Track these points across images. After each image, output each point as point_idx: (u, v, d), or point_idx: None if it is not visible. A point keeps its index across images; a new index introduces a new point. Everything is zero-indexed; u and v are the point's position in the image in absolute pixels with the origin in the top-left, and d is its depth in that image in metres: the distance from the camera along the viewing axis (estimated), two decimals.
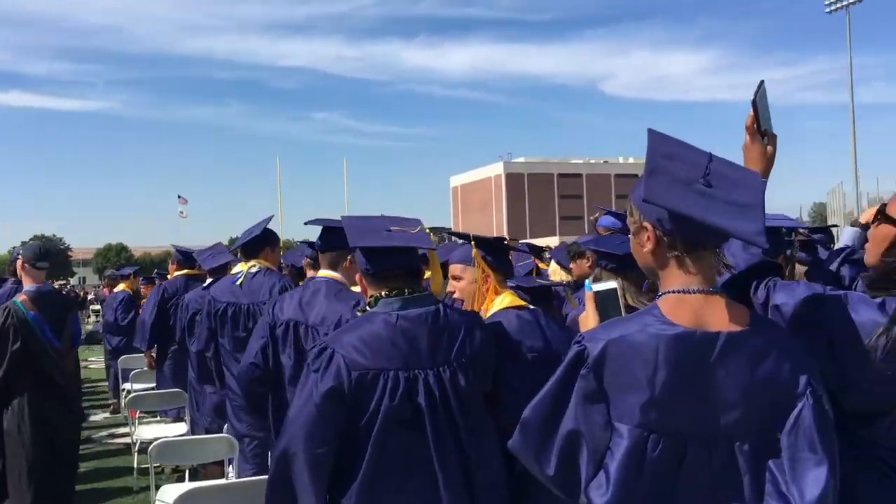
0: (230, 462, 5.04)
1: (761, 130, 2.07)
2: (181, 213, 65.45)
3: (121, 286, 10.71)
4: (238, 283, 4.75)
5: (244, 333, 4.52)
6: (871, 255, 2.04)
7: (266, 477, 3.68)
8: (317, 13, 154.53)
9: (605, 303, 1.99)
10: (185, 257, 7.75)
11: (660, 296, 1.77)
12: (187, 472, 5.97)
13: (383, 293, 2.62)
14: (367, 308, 2.67)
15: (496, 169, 77.56)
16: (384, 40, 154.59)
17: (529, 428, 1.79)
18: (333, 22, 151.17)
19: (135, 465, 6.57)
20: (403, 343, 2.51)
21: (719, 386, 1.67)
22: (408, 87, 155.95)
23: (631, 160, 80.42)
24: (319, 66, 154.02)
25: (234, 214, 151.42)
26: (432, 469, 2.46)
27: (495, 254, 3.21)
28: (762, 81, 2.10)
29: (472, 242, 3.16)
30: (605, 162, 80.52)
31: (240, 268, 4.94)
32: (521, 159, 78.49)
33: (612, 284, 2.03)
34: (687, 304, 1.72)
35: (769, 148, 2.06)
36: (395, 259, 2.65)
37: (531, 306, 3.19)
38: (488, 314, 3.09)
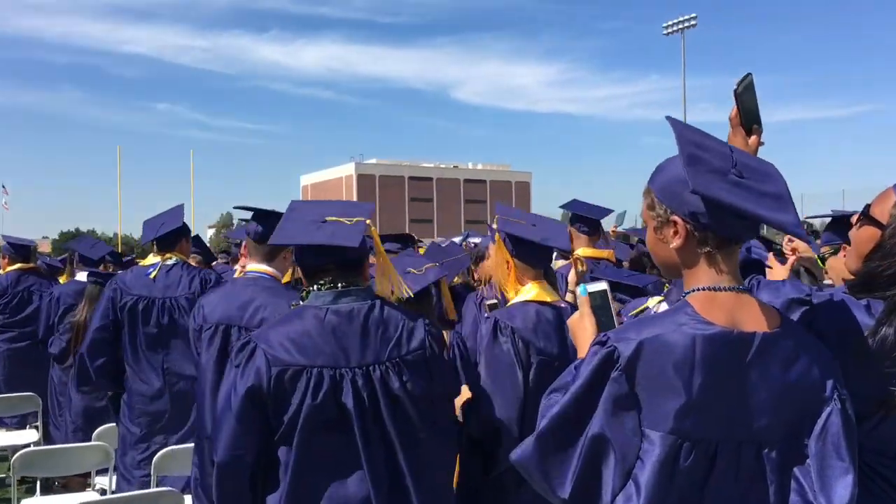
0: (98, 472, 4.62)
1: (744, 123, 2.05)
2: (4, 204, 60.70)
3: None
4: (152, 275, 4.37)
5: (156, 329, 4.19)
6: (852, 259, 2.01)
7: (164, 489, 3.38)
8: None
9: (598, 304, 1.89)
10: (18, 250, 7.10)
11: (687, 293, 1.68)
12: (38, 483, 5.36)
13: (314, 287, 2.45)
14: (300, 301, 2.49)
15: (347, 169, 76.69)
16: (234, 32, 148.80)
17: (546, 440, 1.64)
18: (179, 9, 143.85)
19: None
20: (332, 339, 2.33)
21: (752, 389, 1.59)
22: (258, 83, 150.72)
23: (479, 166, 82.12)
24: (164, 54, 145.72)
25: (66, 207, 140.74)
26: (361, 474, 2.30)
27: (516, 243, 3.04)
28: (749, 74, 2.06)
29: (495, 225, 3.07)
30: (455, 167, 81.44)
31: (152, 259, 4.56)
32: (373, 161, 78.02)
33: (602, 285, 1.93)
34: (719, 302, 1.64)
35: (752, 139, 2.03)
36: (325, 255, 2.44)
37: (563, 302, 3.05)
38: (510, 304, 2.98)
